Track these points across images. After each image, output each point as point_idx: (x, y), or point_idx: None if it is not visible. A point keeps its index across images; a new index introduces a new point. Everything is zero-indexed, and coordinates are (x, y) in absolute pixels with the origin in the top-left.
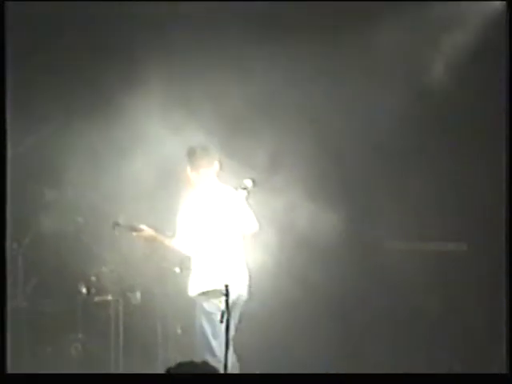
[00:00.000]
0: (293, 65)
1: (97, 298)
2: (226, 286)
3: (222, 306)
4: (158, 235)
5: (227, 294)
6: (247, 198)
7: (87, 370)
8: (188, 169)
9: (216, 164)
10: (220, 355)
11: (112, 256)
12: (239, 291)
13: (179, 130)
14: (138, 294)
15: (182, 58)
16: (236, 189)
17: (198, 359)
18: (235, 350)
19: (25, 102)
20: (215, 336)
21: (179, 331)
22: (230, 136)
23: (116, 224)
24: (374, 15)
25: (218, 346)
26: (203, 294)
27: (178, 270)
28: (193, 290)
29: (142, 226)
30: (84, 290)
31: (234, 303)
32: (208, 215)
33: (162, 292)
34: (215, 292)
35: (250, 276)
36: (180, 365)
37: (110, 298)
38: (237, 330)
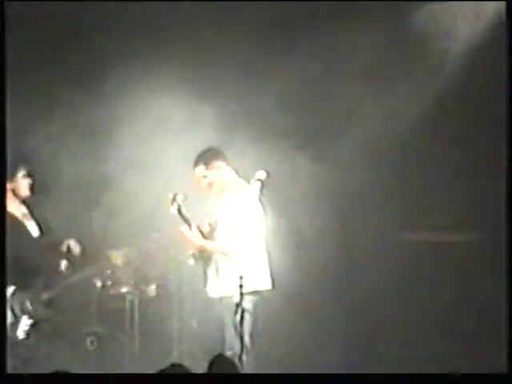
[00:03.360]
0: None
1: (112, 291)
2: (241, 278)
3: (236, 299)
4: (203, 240)
5: (241, 286)
6: (261, 190)
7: (103, 363)
8: (202, 168)
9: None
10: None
11: (127, 249)
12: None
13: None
14: (153, 287)
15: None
16: (249, 182)
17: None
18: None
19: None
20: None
21: (194, 324)
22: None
23: (176, 203)
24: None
25: (250, 341)
26: (248, 293)
27: (192, 262)
28: (231, 290)
29: (193, 226)
30: (99, 284)
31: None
32: (240, 214)
33: (178, 285)
34: (256, 291)
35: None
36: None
37: (125, 290)
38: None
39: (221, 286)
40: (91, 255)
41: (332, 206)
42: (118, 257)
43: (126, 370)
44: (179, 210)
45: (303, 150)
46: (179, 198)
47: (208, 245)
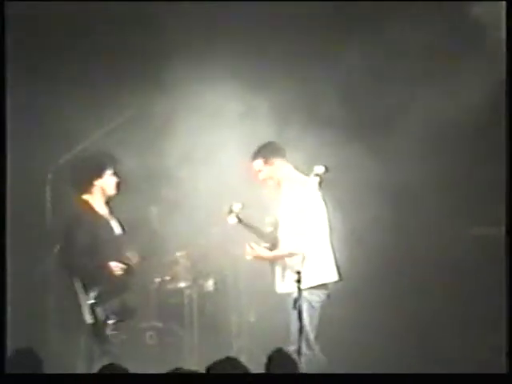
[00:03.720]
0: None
1: (170, 286)
2: (299, 273)
3: (295, 294)
4: (271, 253)
5: (299, 281)
6: (320, 184)
7: (162, 357)
8: (260, 163)
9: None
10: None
11: (185, 244)
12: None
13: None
14: (211, 282)
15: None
16: (308, 175)
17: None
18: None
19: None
20: (313, 328)
21: (252, 319)
22: None
23: (234, 214)
24: None
25: (314, 336)
26: (315, 287)
27: (249, 257)
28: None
29: (255, 246)
30: (158, 279)
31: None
32: (301, 209)
33: (235, 280)
34: (322, 285)
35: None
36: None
37: (183, 285)
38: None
39: (288, 281)
40: (150, 250)
41: (384, 199)
42: (176, 252)
43: (185, 364)
44: (239, 219)
45: (356, 143)
46: (236, 208)
47: (278, 254)
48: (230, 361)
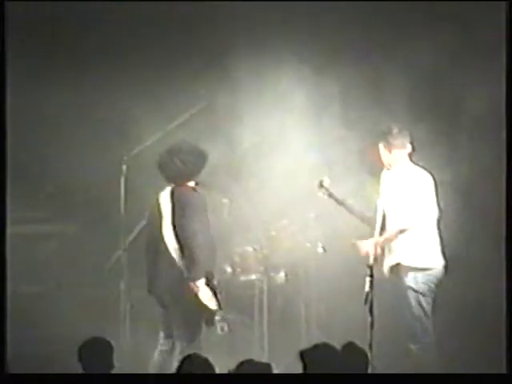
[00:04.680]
0: None
1: (241, 278)
2: (371, 267)
3: (366, 287)
4: (378, 243)
5: (372, 275)
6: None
7: (233, 348)
8: (381, 147)
9: (409, 146)
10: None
11: (257, 236)
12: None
13: None
14: (282, 274)
15: None
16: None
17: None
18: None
19: None
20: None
21: (323, 312)
22: None
23: (324, 188)
24: None
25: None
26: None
27: (321, 250)
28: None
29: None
30: (229, 270)
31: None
32: (410, 196)
33: (306, 272)
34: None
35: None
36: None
37: (254, 277)
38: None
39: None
40: (222, 242)
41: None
42: (247, 244)
43: (255, 356)
44: (329, 195)
45: (422, 126)
46: (326, 182)
47: (388, 236)
48: (325, 346)
